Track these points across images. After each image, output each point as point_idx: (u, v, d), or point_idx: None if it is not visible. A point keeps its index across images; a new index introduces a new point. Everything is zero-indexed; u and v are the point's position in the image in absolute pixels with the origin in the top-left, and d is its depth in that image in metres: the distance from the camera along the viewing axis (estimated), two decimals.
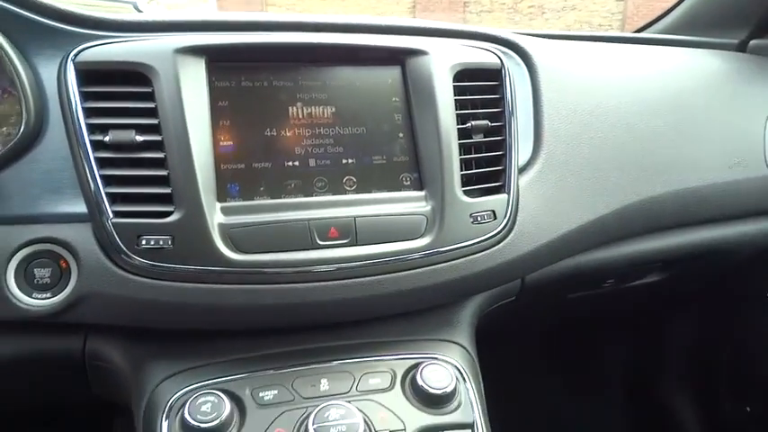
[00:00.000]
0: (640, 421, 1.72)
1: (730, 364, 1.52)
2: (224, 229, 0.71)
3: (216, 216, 0.71)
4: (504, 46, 0.97)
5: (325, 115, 0.80)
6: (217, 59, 0.77)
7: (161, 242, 0.69)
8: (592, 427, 1.71)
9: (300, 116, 0.79)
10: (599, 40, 1.18)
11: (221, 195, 0.73)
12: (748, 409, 1.49)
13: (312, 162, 0.78)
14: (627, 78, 1.06)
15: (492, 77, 0.88)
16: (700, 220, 1.06)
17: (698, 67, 1.18)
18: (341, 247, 0.74)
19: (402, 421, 0.73)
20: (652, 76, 1.09)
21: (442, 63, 0.83)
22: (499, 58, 0.89)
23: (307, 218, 0.74)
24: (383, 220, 0.76)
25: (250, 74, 0.78)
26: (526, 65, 0.97)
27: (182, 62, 0.73)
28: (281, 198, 0.75)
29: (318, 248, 0.73)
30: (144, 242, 0.69)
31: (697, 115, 1.08)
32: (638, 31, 1.53)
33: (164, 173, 0.71)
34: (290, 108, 0.79)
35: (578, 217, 0.90)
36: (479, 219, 0.80)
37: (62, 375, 0.82)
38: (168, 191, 0.70)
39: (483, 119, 0.85)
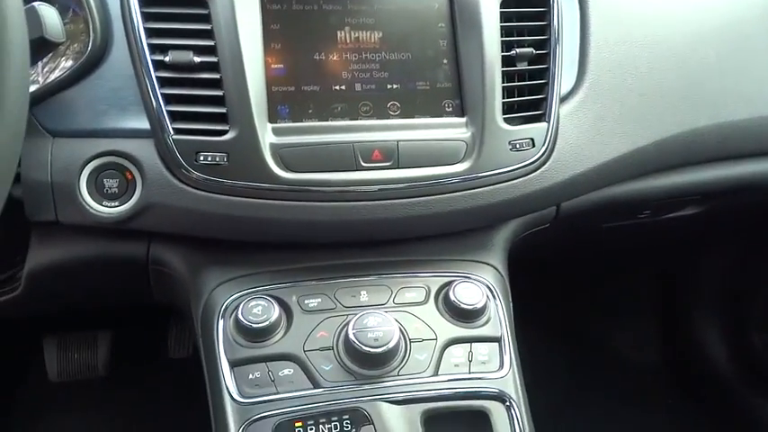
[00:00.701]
0: (670, 353, 1.77)
1: (763, 300, 1.54)
2: (275, 148, 0.75)
3: (267, 136, 0.76)
4: None
5: (372, 40, 0.82)
6: None
7: (217, 158, 0.74)
8: (622, 359, 1.76)
9: (348, 41, 0.82)
10: None
11: (272, 116, 0.77)
12: None
13: (358, 86, 0.81)
14: (680, 4, 1.03)
15: (540, 3, 0.87)
16: (743, 153, 1.06)
17: None
18: (384, 169, 0.78)
19: (434, 331, 0.79)
20: (707, 2, 1.06)
21: None
22: None
23: (352, 140, 0.78)
24: (424, 145, 0.80)
25: None
26: None
27: None
28: (327, 121, 0.79)
29: (362, 170, 0.77)
30: (202, 158, 0.74)
31: (751, 45, 1.05)
32: None
33: (219, 93, 0.75)
34: (339, 32, 0.81)
35: (617, 147, 0.91)
36: (518, 146, 0.82)
37: (127, 279, 0.90)
38: (224, 110, 0.75)
39: (528, 46, 0.86)
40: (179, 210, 0.76)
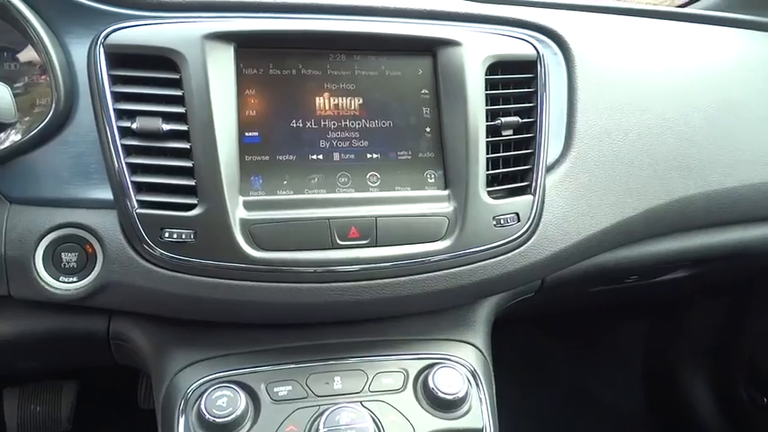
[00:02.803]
0: (657, 406, 1.73)
1: (751, 356, 1.51)
2: (245, 224, 0.71)
3: (238, 211, 0.71)
4: (542, 33, 0.94)
5: (352, 107, 0.79)
6: (246, 45, 0.75)
7: (183, 236, 0.70)
8: (608, 410, 1.73)
9: (327, 107, 0.78)
10: (641, 15, 1.10)
11: (244, 188, 0.73)
12: (765, 400, 1.49)
13: (336, 156, 0.77)
14: (669, 68, 1.01)
15: (526, 69, 0.85)
16: (733, 220, 1.03)
17: (750, 53, 1.12)
18: (361, 247, 0.74)
19: (412, 425, 0.75)
20: (697, 65, 1.05)
21: (475, 55, 0.80)
22: (535, 48, 0.85)
23: (328, 216, 0.73)
24: (404, 221, 0.76)
25: (278, 61, 0.77)
26: (563, 55, 0.93)
27: (210, 48, 0.72)
28: (303, 193, 0.75)
29: (338, 248, 0.73)
30: (167, 235, 0.70)
31: (741, 110, 1.03)
32: (684, 5, 1.44)
33: (188, 164, 0.71)
34: (317, 99, 0.78)
35: (605, 219, 0.88)
36: (502, 221, 0.79)
37: (87, 350, 0.85)
38: (192, 183, 0.71)
39: (514, 115, 0.83)
40: (141, 289, 0.72)
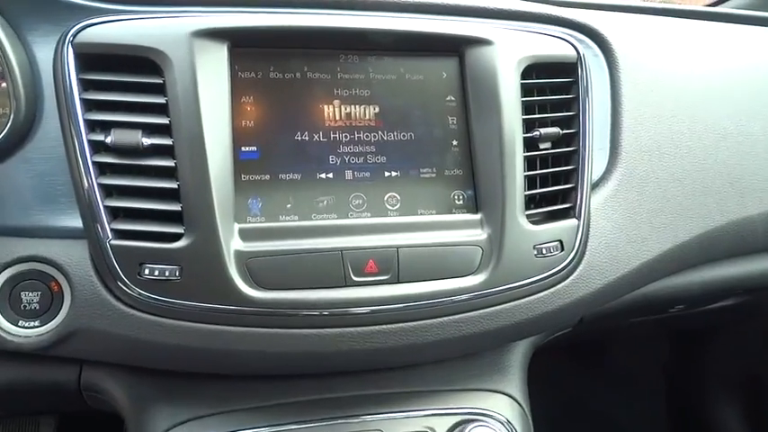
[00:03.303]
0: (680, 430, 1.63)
1: None
2: (241, 258, 0.60)
3: (233, 242, 0.61)
4: (581, 32, 0.83)
5: (367, 117, 0.69)
6: (241, 45, 0.65)
7: (167, 272, 0.59)
8: None
9: (337, 117, 0.68)
10: (681, 16, 1.00)
11: (240, 213, 0.63)
12: None
13: (349, 174, 0.67)
14: (721, 71, 0.91)
15: (566, 73, 0.75)
16: None
17: None
18: (380, 284, 0.63)
19: None
20: (747, 69, 0.94)
21: (508, 56, 0.70)
22: (575, 48, 0.75)
23: (340, 246, 0.63)
24: (431, 252, 0.65)
25: (280, 63, 0.67)
26: (605, 56, 0.83)
27: (199, 48, 0.63)
28: (310, 219, 0.64)
29: (353, 286, 0.62)
30: (147, 271, 0.60)
31: None
32: (714, 4, 1.34)
33: (173, 185, 0.61)
34: (326, 107, 0.67)
35: (655, 245, 0.77)
36: (544, 251, 0.68)
37: (57, 399, 0.74)
38: (178, 208, 0.60)
39: (552, 125, 0.72)
40: (115, 337, 0.61)
